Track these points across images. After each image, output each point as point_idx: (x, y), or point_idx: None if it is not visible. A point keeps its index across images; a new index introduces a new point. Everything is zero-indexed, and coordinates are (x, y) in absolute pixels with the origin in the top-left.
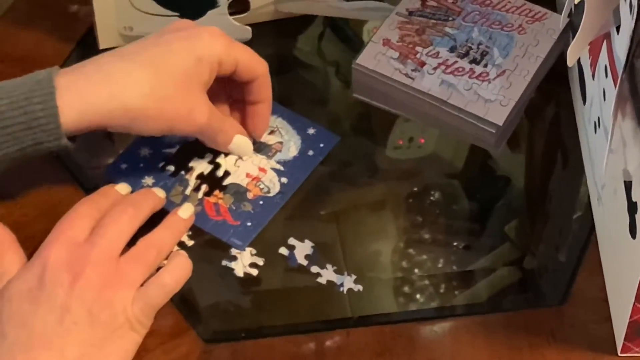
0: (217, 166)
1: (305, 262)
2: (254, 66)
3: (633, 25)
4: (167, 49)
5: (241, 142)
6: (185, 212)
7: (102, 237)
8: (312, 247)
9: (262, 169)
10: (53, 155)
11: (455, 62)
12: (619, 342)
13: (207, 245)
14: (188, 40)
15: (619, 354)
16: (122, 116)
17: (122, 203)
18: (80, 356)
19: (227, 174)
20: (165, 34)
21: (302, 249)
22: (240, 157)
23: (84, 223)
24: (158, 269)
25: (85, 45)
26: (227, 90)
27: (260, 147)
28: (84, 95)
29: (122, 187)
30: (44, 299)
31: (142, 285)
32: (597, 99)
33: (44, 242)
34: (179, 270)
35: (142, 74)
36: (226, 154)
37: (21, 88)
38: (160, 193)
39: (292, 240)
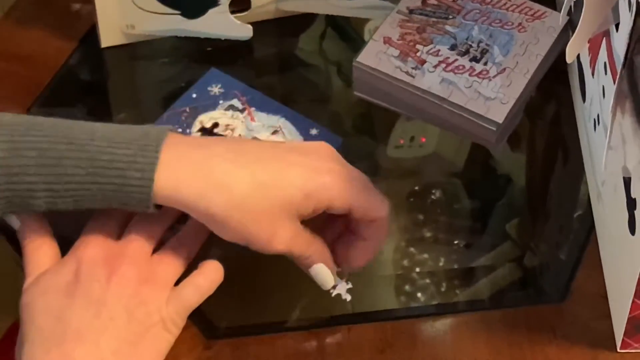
0: None
1: None
2: (369, 213)
3: (632, 22)
4: (282, 171)
5: (321, 271)
6: None
7: (136, 234)
8: None
9: None
10: None
11: (456, 60)
12: (619, 338)
13: (210, 243)
14: (306, 171)
15: (619, 350)
16: (203, 214)
17: None
18: (115, 352)
19: None
20: (294, 151)
21: None
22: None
23: (116, 220)
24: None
25: (87, 44)
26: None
27: None
28: (180, 182)
29: None
30: (80, 293)
31: (175, 284)
32: (597, 97)
33: (78, 239)
34: (212, 274)
35: (244, 186)
36: None
37: (126, 147)
38: None
39: None
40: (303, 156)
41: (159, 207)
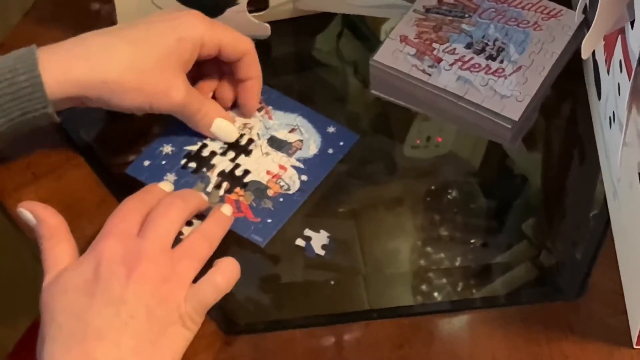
0: (238, 164)
1: (322, 252)
2: (238, 45)
3: None
4: (149, 28)
5: (223, 124)
6: (228, 210)
7: (154, 230)
8: (328, 237)
9: (282, 167)
10: (77, 151)
11: (472, 58)
12: (635, 335)
13: (227, 241)
14: (170, 22)
15: (635, 346)
16: (101, 88)
17: (170, 196)
18: (135, 350)
19: (247, 171)
20: (149, 17)
21: (319, 240)
22: (225, 143)
23: (134, 217)
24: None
25: None
26: (218, 69)
27: (281, 145)
28: (64, 66)
29: (166, 185)
30: (100, 292)
31: (194, 281)
32: (612, 94)
33: (97, 236)
34: (229, 272)
35: (123, 48)
36: (246, 153)
37: (5, 63)
38: (204, 197)
39: (307, 232)
40: (164, 14)
41: (58, 114)
